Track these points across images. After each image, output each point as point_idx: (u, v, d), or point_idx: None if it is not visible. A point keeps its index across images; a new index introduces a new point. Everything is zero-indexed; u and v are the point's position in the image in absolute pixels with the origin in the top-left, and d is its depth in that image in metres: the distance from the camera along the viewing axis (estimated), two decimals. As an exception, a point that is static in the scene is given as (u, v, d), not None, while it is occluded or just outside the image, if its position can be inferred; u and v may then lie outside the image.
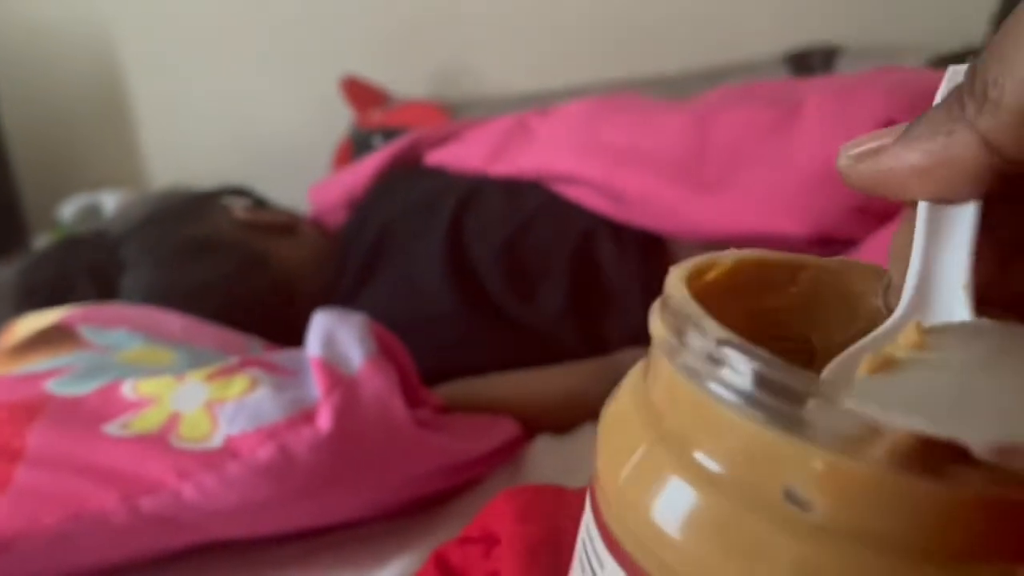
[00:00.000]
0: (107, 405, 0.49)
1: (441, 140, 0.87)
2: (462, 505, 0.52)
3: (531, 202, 0.75)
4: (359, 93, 2.11)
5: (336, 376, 0.48)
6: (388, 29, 2.33)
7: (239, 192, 0.86)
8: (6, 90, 2.03)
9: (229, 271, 0.76)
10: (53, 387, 0.51)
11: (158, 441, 0.46)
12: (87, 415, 0.48)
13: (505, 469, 0.57)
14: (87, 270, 0.75)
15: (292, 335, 0.68)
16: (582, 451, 0.62)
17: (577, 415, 0.63)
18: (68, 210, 2.14)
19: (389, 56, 2.30)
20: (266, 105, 2.34)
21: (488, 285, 0.72)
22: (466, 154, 0.82)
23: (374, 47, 2.32)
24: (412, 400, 0.51)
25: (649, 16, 2.30)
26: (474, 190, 0.76)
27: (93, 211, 2.14)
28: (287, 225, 0.84)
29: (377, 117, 1.86)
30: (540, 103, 0.97)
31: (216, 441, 0.45)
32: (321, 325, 0.52)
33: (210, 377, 0.49)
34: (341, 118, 2.14)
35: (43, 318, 0.64)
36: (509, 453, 0.57)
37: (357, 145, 1.63)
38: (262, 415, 0.46)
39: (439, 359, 0.64)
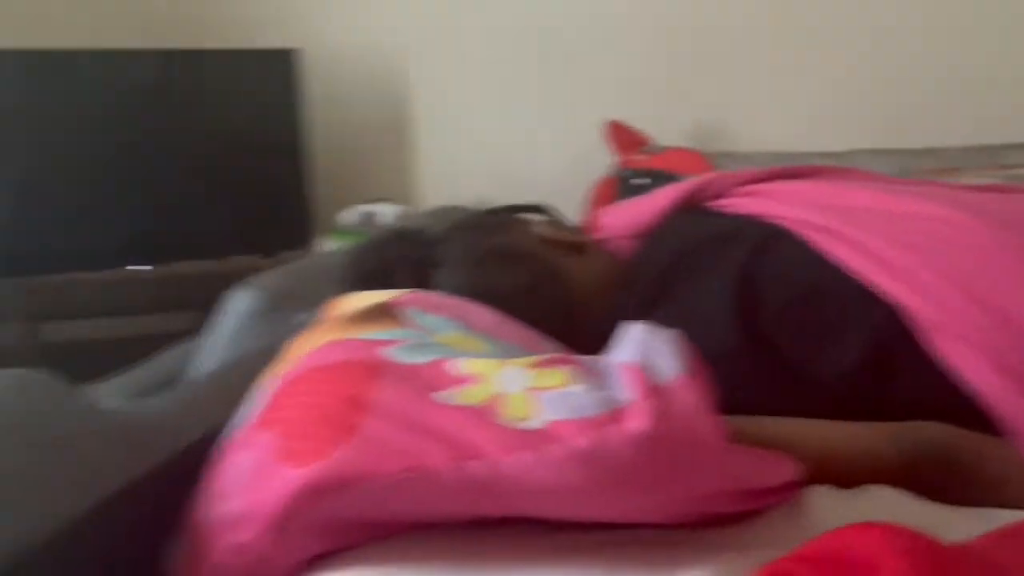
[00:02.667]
0: (437, 377, 0.54)
1: (737, 189, 0.89)
2: (740, 530, 0.52)
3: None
4: (622, 136, 2.18)
5: (651, 383, 0.50)
6: (653, 80, 2.40)
7: (539, 209, 0.92)
8: (313, 109, 2.30)
9: (526, 281, 0.82)
10: (392, 354, 0.57)
11: (484, 414, 0.50)
12: (422, 382, 0.54)
13: (780, 509, 0.56)
14: (408, 262, 0.83)
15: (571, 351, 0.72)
16: (864, 509, 0.60)
17: (864, 474, 0.61)
18: (347, 218, 2.38)
19: (652, 106, 2.36)
20: (533, 141, 2.48)
21: (775, 330, 0.71)
22: (765, 206, 0.83)
23: (638, 96, 2.39)
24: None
25: (913, 89, 2.21)
26: (774, 234, 0.77)
27: (369, 220, 2.36)
28: (579, 244, 0.89)
29: (642, 160, 1.91)
30: (792, 163, 0.97)
31: (537, 423, 0.49)
32: (635, 335, 0.54)
33: (531, 366, 0.54)
34: (598, 159, 2.23)
35: (372, 296, 0.72)
36: (789, 493, 0.56)
37: (622, 183, 1.68)
38: (581, 407, 0.49)
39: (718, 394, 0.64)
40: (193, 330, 2.20)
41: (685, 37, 2.35)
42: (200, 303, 2.24)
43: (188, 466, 0.58)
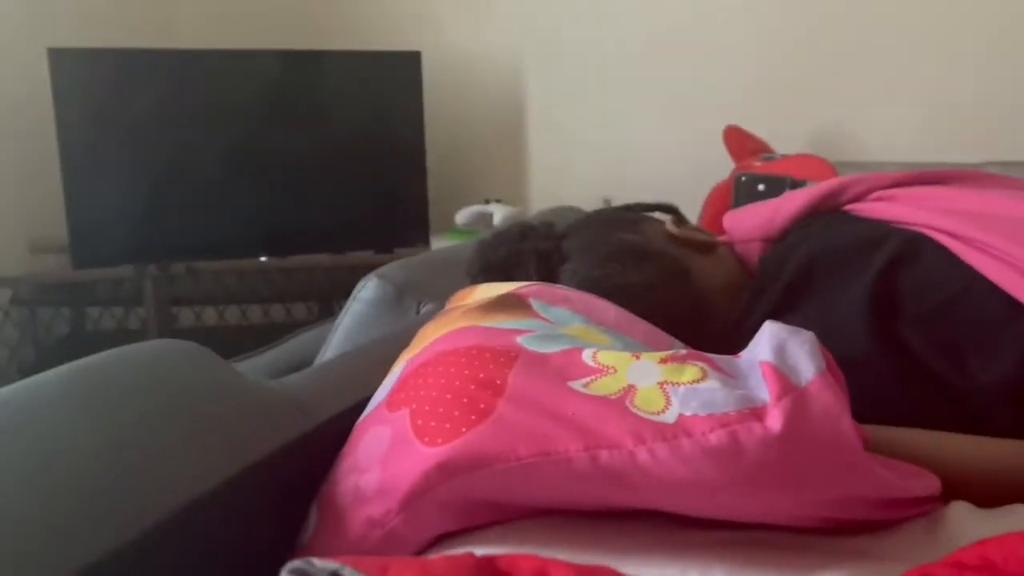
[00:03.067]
0: (570, 366, 0.55)
1: (873, 194, 0.86)
2: (875, 539, 0.51)
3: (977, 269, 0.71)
4: (741, 141, 2.14)
5: (787, 383, 0.49)
6: (774, 86, 2.34)
7: (669, 209, 0.92)
8: (431, 111, 2.35)
9: (654, 279, 0.82)
10: (523, 342, 0.58)
11: (617, 405, 0.50)
12: (554, 371, 0.54)
13: (918, 522, 0.54)
14: (535, 255, 0.84)
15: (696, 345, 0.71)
16: (1012, 527, 0.57)
17: (1005, 492, 0.58)
18: (462, 216, 2.42)
19: (772, 112, 2.31)
20: (645, 146, 2.47)
21: (914, 338, 0.69)
22: (902, 212, 0.80)
23: (759, 102, 2.34)
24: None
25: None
26: (915, 240, 0.74)
27: (483, 219, 2.40)
28: (708, 244, 0.88)
29: (761, 165, 1.87)
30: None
31: (670, 417, 0.49)
32: (772, 333, 0.54)
33: (663, 360, 0.54)
34: (715, 165, 2.19)
35: (499, 288, 0.74)
36: (929, 506, 0.54)
37: (739, 188, 1.65)
38: (715, 404, 0.49)
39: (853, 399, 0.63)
40: (313, 319, 2.31)
41: (808, 41, 2.29)
42: (321, 295, 2.35)
43: (325, 441, 0.61)
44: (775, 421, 0.47)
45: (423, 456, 0.50)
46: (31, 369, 2.19)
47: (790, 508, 0.49)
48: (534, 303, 0.68)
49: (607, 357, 0.55)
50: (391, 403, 0.57)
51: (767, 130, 2.20)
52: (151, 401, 0.54)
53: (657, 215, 0.92)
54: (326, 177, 2.30)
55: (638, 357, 0.54)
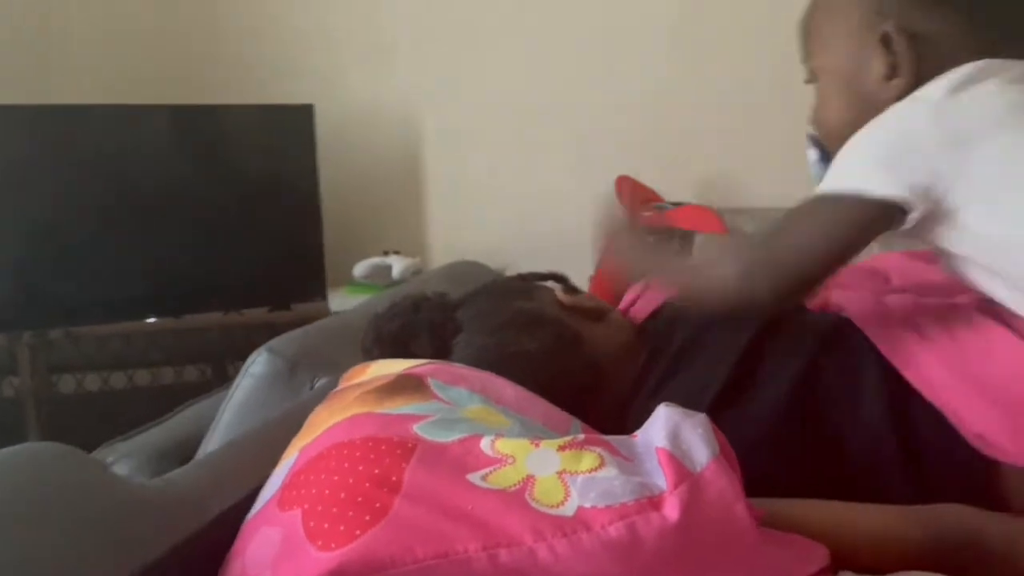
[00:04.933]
0: (468, 456, 0.54)
1: None
2: None
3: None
4: (632, 191, 2.20)
5: (683, 470, 0.50)
6: (665, 136, 2.43)
7: (560, 278, 0.93)
8: (324, 159, 2.33)
9: (548, 346, 0.82)
10: (420, 431, 0.57)
11: (516, 498, 0.50)
12: (452, 462, 0.53)
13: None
14: (429, 326, 0.83)
15: (588, 419, 0.72)
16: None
17: (891, 558, 0.60)
18: (360, 269, 2.39)
19: (662, 161, 2.39)
20: (544, 196, 2.50)
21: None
22: None
23: (647, 153, 2.42)
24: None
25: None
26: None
27: (381, 271, 2.37)
28: (599, 311, 0.90)
29: (651, 216, 1.92)
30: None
31: (569, 509, 0.48)
32: (666, 417, 0.54)
33: (562, 448, 0.53)
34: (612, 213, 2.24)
35: (395, 364, 0.72)
36: None
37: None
38: (613, 494, 0.49)
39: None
40: (206, 381, 2.21)
41: (696, 93, 2.39)
42: (214, 356, 2.26)
43: (213, 541, 0.58)
44: (672, 510, 0.48)
45: (316, 562, 0.48)
46: None
47: (689, 596, 0.49)
48: (432, 383, 0.67)
49: (506, 445, 0.55)
50: (282, 501, 0.55)
51: (659, 179, 2.27)
52: (23, 507, 0.50)
53: (550, 284, 0.93)
54: (219, 233, 2.24)
55: (537, 445, 0.54)
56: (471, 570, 0.47)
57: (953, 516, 0.64)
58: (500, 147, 2.51)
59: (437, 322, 0.84)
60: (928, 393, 0.70)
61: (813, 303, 0.87)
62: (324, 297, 2.35)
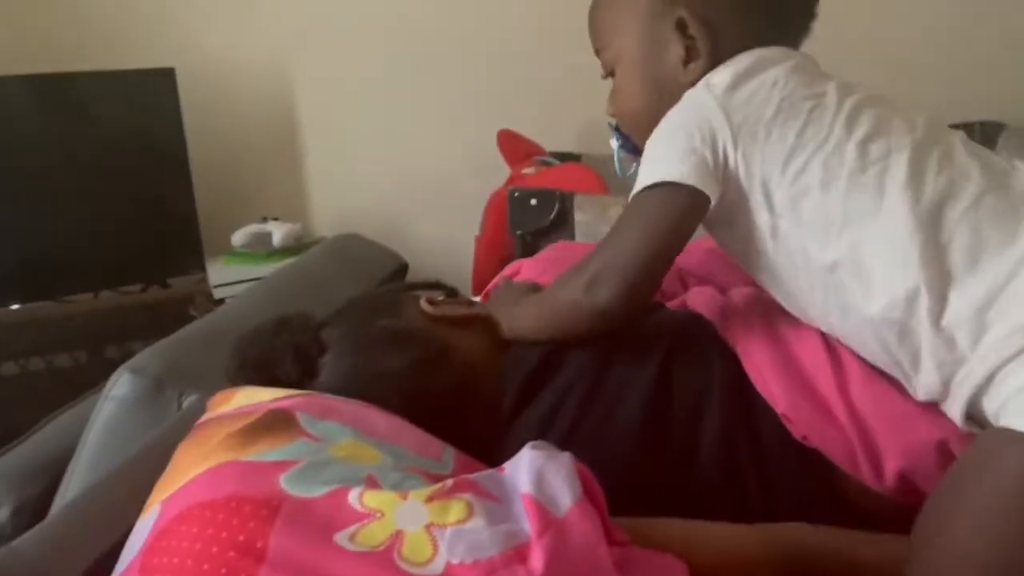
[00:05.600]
0: (336, 511, 0.53)
1: None
2: None
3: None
4: (514, 145, 2.18)
5: (547, 518, 0.50)
6: (545, 86, 2.40)
7: (436, 286, 0.91)
8: (192, 125, 2.20)
9: (413, 362, 0.79)
10: (286, 485, 0.55)
11: (384, 558, 0.49)
12: (319, 521, 0.52)
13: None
14: (292, 349, 0.80)
15: (463, 436, 0.70)
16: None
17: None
18: (239, 238, 2.30)
19: (543, 112, 2.37)
20: (424, 151, 2.45)
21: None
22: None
23: (528, 101, 2.40)
24: (607, 537, 0.53)
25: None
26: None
27: (262, 239, 2.29)
28: (466, 318, 0.86)
29: (533, 175, 1.91)
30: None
31: (438, 567, 0.48)
32: (531, 461, 0.54)
33: (429, 499, 0.53)
34: (495, 167, 2.22)
35: (262, 393, 0.70)
36: None
37: (514, 204, 1.67)
38: (479, 548, 0.49)
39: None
40: (81, 368, 2.10)
41: (571, 36, 2.36)
42: (89, 341, 2.15)
43: None
44: (537, 562, 0.48)
45: None
46: None
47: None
48: (301, 418, 0.65)
49: (373, 499, 0.54)
50: (144, 568, 0.53)
51: (540, 130, 2.26)
52: None
53: (421, 293, 0.91)
54: (84, 209, 2.10)
55: (405, 497, 0.53)
56: None
57: (794, 534, 0.67)
58: (379, 102, 2.44)
59: (302, 344, 0.81)
60: (760, 387, 0.73)
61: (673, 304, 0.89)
62: (202, 269, 2.25)
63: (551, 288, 0.81)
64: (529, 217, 1.64)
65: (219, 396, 0.73)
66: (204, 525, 0.53)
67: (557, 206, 1.62)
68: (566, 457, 0.55)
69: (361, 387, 0.74)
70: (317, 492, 0.55)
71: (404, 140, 2.46)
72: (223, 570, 0.49)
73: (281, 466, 0.58)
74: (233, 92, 2.38)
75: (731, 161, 0.70)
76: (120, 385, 0.87)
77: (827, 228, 0.67)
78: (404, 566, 0.49)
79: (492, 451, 0.69)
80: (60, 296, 2.12)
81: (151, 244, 2.21)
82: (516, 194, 1.67)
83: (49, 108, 2.07)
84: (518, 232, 1.66)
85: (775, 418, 0.72)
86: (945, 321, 0.62)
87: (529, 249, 1.66)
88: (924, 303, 0.63)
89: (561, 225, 1.63)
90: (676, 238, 0.73)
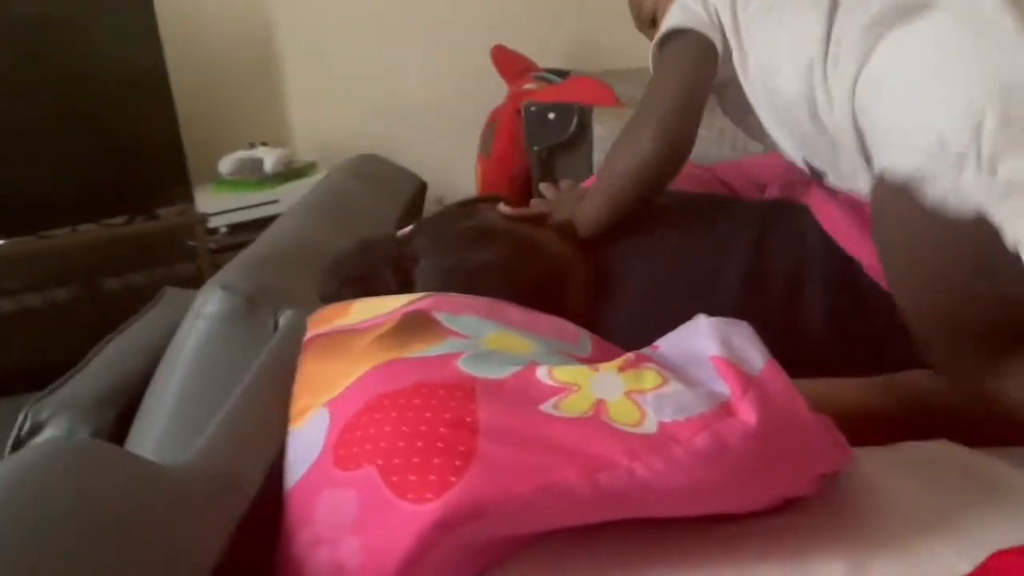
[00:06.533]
0: (529, 388, 0.54)
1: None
2: (825, 514, 0.54)
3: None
4: (508, 61, 2.15)
5: (745, 376, 0.52)
6: (528, 5, 2.36)
7: (496, 199, 0.95)
8: (173, 54, 2.11)
9: (507, 254, 0.84)
10: (468, 369, 0.56)
11: (594, 422, 0.51)
12: (516, 396, 0.53)
13: (844, 486, 0.57)
14: (387, 262, 0.84)
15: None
16: (927, 468, 0.63)
17: (860, 430, 0.66)
18: (227, 164, 2.24)
19: (530, 29, 2.33)
20: (413, 73, 2.40)
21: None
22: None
23: (515, 21, 2.36)
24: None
25: None
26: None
27: (251, 165, 2.24)
28: (541, 216, 0.93)
29: (541, 91, 1.89)
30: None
31: (650, 427, 0.50)
32: (712, 327, 0.56)
33: (621, 369, 0.55)
34: (483, 87, 2.19)
35: (384, 303, 0.70)
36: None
37: (530, 118, 1.66)
38: (687, 406, 0.51)
39: None
40: (80, 300, 2.04)
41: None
42: (83, 273, 2.09)
43: (257, 518, 0.55)
44: (748, 414, 0.50)
45: (412, 515, 0.48)
46: None
47: (763, 494, 0.53)
48: (440, 316, 0.66)
49: (565, 373, 0.55)
50: (340, 460, 0.53)
51: (527, 49, 2.23)
52: (74, 525, 0.45)
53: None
54: (63, 139, 2.01)
55: (596, 369, 0.55)
56: (574, 498, 0.48)
57: (917, 381, 0.71)
58: (361, 20, 2.36)
59: (395, 257, 0.85)
60: (852, 250, 0.79)
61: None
62: (191, 199, 2.19)
63: (603, 167, 0.88)
64: (547, 132, 1.63)
65: (329, 311, 0.73)
66: (402, 410, 0.54)
67: (576, 120, 1.61)
68: (744, 324, 0.57)
69: (461, 284, 0.76)
70: (503, 373, 0.56)
71: (388, 62, 2.40)
72: (439, 444, 0.50)
73: (449, 357, 0.59)
74: (211, 11, 2.28)
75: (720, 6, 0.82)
76: (212, 302, 0.86)
77: None
78: (617, 426, 0.50)
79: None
80: (42, 230, 2.04)
81: (137, 175, 2.13)
82: (532, 108, 1.66)
83: (20, 35, 1.96)
84: (535, 148, 1.65)
85: (870, 278, 0.76)
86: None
87: (546, 165, 1.66)
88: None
89: (580, 139, 1.63)
90: (702, 77, 0.83)
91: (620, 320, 0.79)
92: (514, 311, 0.69)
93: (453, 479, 0.48)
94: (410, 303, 0.68)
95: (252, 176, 2.22)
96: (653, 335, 0.63)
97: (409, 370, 0.58)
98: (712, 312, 0.73)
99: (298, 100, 2.43)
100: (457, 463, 0.49)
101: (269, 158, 2.21)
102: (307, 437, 0.58)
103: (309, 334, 0.70)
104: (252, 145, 2.27)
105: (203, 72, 2.27)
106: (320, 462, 0.55)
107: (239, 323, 0.85)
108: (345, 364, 0.61)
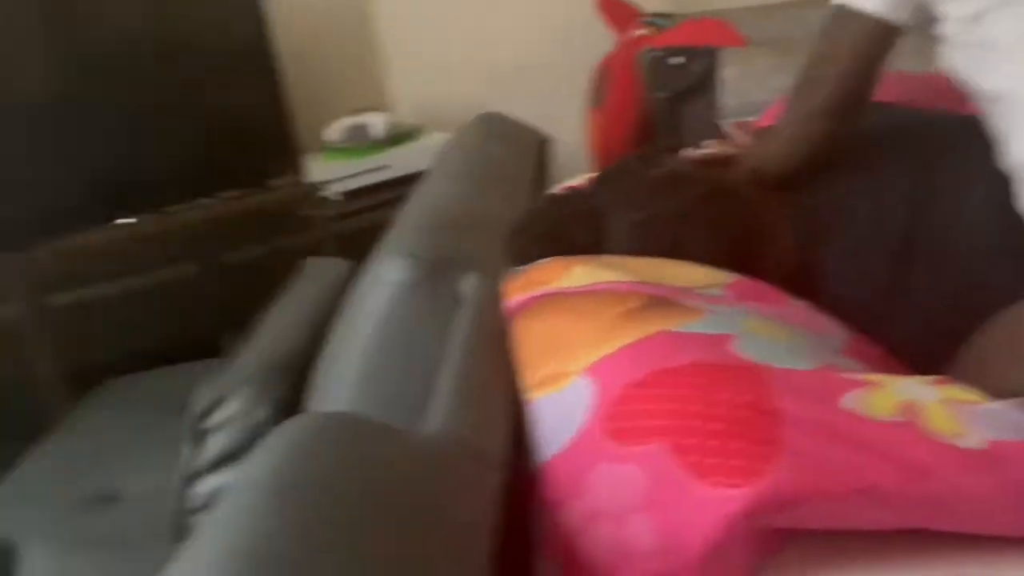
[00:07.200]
0: (827, 380, 0.51)
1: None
2: None
3: None
4: (615, 8, 2.08)
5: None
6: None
7: (677, 147, 0.92)
8: (273, 22, 2.10)
9: (705, 200, 0.81)
10: (746, 353, 0.53)
11: (912, 428, 0.47)
12: (815, 387, 0.50)
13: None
14: (578, 218, 0.81)
15: (765, 272, 0.72)
16: None
17: None
18: (335, 132, 2.24)
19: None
20: (508, 31, 2.34)
21: None
22: None
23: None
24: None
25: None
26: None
27: (360, 131, 2.22)
28: (731, 158, 0.89)
29: (656, 35, 1.82)
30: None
31: (974, 441, 0.46)
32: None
33: (931, 382, 0.51)
34: (585, 40, 2.12)
35: (605, 262, 0.67)
36: None
37: (653, 65, 1.60)
38: (1019, 427, 0.47)
39: None
40: (203, 276, 2.08)
41: None
42: (204, 249, 2.13)
43: (505, 492, 0.54)
44: None
45: (718, 501, 0.45)
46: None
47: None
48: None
49: (863, 370, 0.52)
50: (617, 433, 0.51)
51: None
52: (356, 506, 0.44)
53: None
54: (176, 118, 2.02)
55: (897, 377, 0.52)
56: (890, 501, 0.45)
57: None
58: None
59: (585, 212, 0.82)
60: None
61: None
62: (302, 169, 2.19)
63: (787, 103, 0.84)
64: (671, 77, 1.58)
65: (538, 272, 0.71)
66: (689, 388, 0.50)
67: (702, 63, 1.55)
68: None
69: (656, 237, 0.74)
70: (793, 363, 0.53)
71: (486, 21, 2.35)
72: (736, 427, 0.47)
73: (721, 339, 0.55)
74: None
75: None
76: (395, 270, 0.84)
77: None
78: (936, 437, 0.46)
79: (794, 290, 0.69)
80: (163, 208, 2.08)
81: (246, 147, 2.14)
82: (653, 55, 1.60)
83: (118, 13, 1.97)
84: (659, 94, 1.60)
85: None
86: None
87: (671, 112, 1.61)
88: None
89: (706, 84, 1.57)
90: (868, 53, 0.78)
91: (843, 266, 0.74)
92: (769, 296, 0.66)
93: (761, 467, 0.45)
94: (646, 283, 0.65)
95: (360, 142, 2.21)
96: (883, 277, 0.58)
97: (683, 346, 0.54)
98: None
99: (399, 64, 2.41)
100: (762, 451, 0.46)
101: (376, 123, 2.19)
102: (564, 406, 0.55)
103: (521, 296, 0.68)
104: (357, 111, 2.26)
105: (304, 41, 2.26)
106: (587, 433, 0.52)
107: (423, 290, 0.83)
108: (594, 331, 0.58)
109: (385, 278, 0.85)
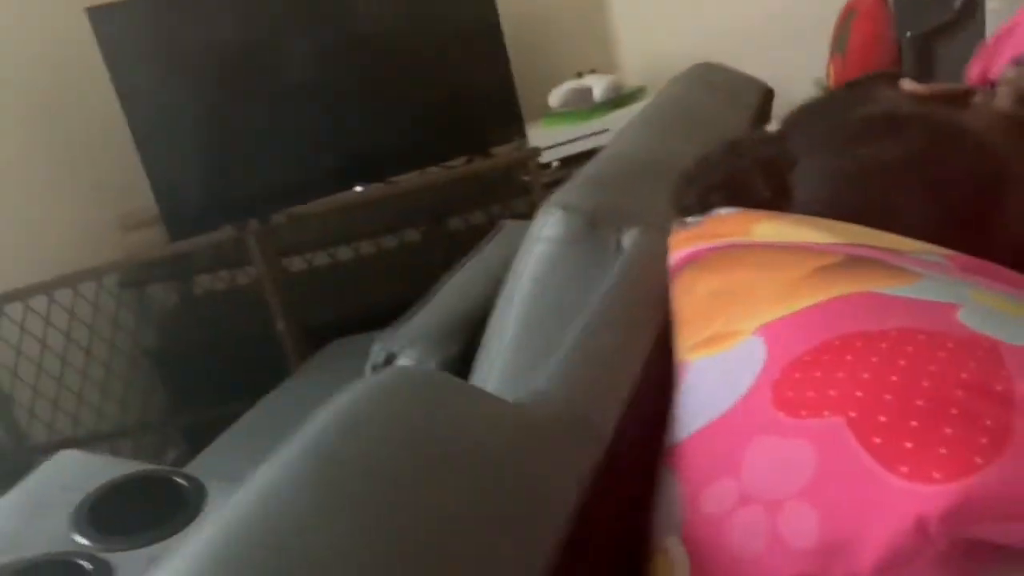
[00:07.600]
0: None
1: None
2: None
3: None
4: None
5: None
6: None
7: (893, 75, 0.73)
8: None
9: (923, 144, 0.64)
10: (977, 326, 0.41)
11: None
12: None
13: None
14: (759, 166, 0.68)
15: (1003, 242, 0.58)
16: None
17: None
18: (557, 97, 2.20)
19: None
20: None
21: None
22: None
23: None
24: None
25: None
26: None
27: (581, 95, 2.16)
28: (965, 92, 0.70)
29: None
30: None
31: None
32: None
33: None
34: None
35: (798, 221, 0.56)
36: None
37: (901, 2, 1.38)
38: None
39: None
40: (430, 243, 2.16)
41: None
42: (429, 215, 2.20)
43: (616, 465, 0.46)
44: None
45: (909, 495, 0.35)
46: (155, 351, 2.14)
47: None
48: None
49: None
50: (786, 403, 0.41)
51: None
52: (434, 461, 0.39)
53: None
54: (405, 89, 2.10)
55: None
56: None
57: None
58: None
59: (767, 158, 0.69)
60: None
61: None
62: (523, 135, 2.19)
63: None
64: (924, 14, 1.35)
65: (713, 226, 0.61)
66: (889, 356, 0.40)
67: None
68: None
69: (858, 188, 0.62)
70: None
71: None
72: (953, 411, 0.36)
73: (940, 306, 0.43)
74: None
75: None
76: (552, 224, 0.78)
77: None
78: None
79: None
80: (391, 176, 2.16)
81: (471, 115, 2.17)
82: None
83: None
84: (908, 34, 1.37)
85: None
86: None
87: (922, 54, 1.38)
88: None
89: (966, 19, 1.32)
90: None
91: None
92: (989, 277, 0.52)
93: (979, 461, 0.34)
94: (848, 243, 0.53)
95: (581, 106, 2.15)
96: None
97: (889, 309, 0.43)
98: None
99: (625, 24, 2.32)
100: (983, 440, 0.35)
101: (598, 86, 2.12)
102: (729, 369, 0.46)
103: (690, 248, 0.59)
104: (580, 75, 2.21)
105: (529, 4, 2.23)
106: (750, 400, 0.43)
107: (580, 244, 0.77)
108: (779, 286, 0.49)
109: (541, 234, 0.79)
